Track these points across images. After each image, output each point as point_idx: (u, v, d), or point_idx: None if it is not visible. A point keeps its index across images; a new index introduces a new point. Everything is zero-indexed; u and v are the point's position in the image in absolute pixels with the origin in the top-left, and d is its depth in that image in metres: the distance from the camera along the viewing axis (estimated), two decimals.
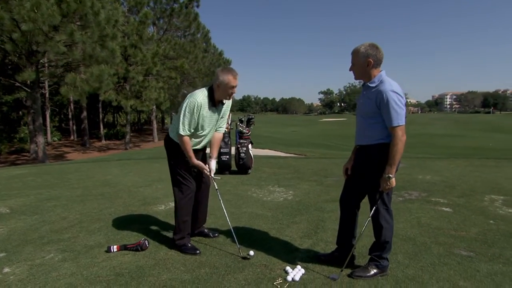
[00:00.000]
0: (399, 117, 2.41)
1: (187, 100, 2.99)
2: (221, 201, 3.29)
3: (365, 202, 2.77)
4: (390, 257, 2.73)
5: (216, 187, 3.27)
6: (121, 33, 17.03)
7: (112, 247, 3.14)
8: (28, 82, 14.66)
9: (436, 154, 21.46)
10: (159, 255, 3.05)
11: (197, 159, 3.15)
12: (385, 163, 2.46)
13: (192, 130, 3.01)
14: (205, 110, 3.01)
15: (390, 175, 2.43)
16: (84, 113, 26.19)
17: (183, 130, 2.96)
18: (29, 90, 15.13)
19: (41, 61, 14.58)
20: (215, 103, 3.05)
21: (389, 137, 2.48)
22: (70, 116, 32.33)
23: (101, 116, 31.80)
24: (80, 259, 2.96)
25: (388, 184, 2.46)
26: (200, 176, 3.31)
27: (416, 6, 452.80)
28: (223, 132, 3.42)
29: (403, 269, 2.74)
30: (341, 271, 2.64)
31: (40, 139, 14.98)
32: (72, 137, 31.37)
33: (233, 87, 2.98)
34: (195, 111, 2.94)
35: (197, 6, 27.44)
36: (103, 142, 29.56)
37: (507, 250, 3.09)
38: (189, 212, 3.19)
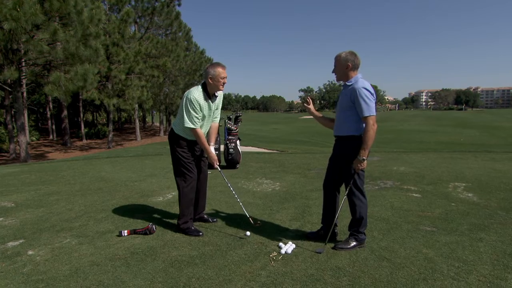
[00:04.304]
0: (370, 108, 2.92)
1: (185, 97, 3.38)
2: (225, 178, 3.82)
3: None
4: (366, 233, 3.24)
5: (220, 169, 3.68)
6: (103, 32, 16.99)
7: (123, 231, 3.50)
8: (9, 81, 14.48)
9: (411, 148, 22.56)
10: (166, 237, 3.44)
11: (197, 149, 3.57)
12: (357, 151, 2.96)
13: (201, 122, 3.41)
14: (202, 103, 3.40)
15: (364, 158, 2.93)
16: (65, 112, 25.80)
17: (194, 124, 3.35)
18: (9, 89, 14.95)
19: (22, 60, 14.43)
20: (209, 96, 3.46)
21: (360, 130, 2.99)
22: (48, 115, 31.64)
23: (81, 115, 31.29)
24: (96, 242, 3.32)
25: (361, 165, 2.96)
26: (199, 167, 3.71)
27: (394, 5, 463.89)
28: (218, 122, 3.83)
29: (377, 242, 3.25)
30: (325, 244, 3.13)
31: (23, 139, 14.83)
32: (51, 137, 30.74)
33: (224, 77, 3.40)
34: (194, 105, 3.33)
35: (179, 5, 27.61)
36: (84, 141, 29.15)
37: (463, 225, 3.67)
38: (192, 199, 3.59)
